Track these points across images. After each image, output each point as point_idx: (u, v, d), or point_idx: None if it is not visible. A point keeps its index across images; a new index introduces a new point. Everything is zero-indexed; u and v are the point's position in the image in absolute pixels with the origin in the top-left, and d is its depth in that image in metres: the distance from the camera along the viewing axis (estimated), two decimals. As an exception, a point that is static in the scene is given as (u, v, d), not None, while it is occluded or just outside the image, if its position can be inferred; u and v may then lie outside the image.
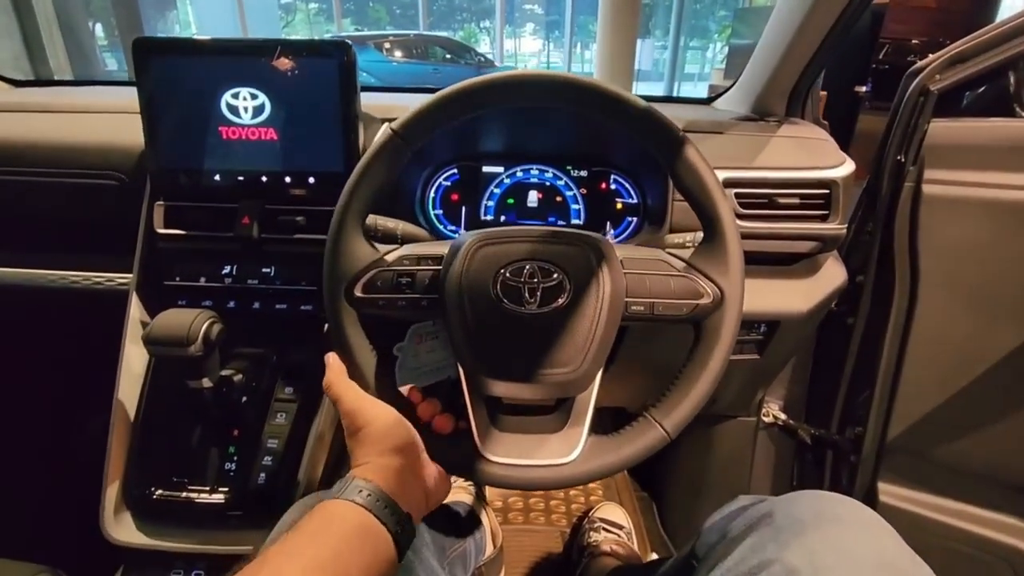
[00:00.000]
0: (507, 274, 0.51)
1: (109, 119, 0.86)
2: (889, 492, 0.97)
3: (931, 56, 0.84)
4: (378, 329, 0.54)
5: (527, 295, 0.50)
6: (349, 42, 0.71)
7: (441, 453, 0.52)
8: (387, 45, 7.87)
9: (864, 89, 1.91)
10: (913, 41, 5.30)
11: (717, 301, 0.52)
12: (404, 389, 0.58)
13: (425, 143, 0.52)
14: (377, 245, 0.55)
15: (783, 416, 1.14)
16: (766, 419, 1.12)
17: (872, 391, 0.96)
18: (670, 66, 10.18)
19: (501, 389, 0.50)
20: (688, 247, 0.64)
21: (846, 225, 0.76)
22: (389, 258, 0.55)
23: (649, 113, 0.52)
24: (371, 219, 0.65)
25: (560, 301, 0.50)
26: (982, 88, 0.87)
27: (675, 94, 7.43)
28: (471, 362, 0.51)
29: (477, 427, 0.52)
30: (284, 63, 0.72)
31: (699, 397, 0.50)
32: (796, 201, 0.76)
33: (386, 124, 0.54)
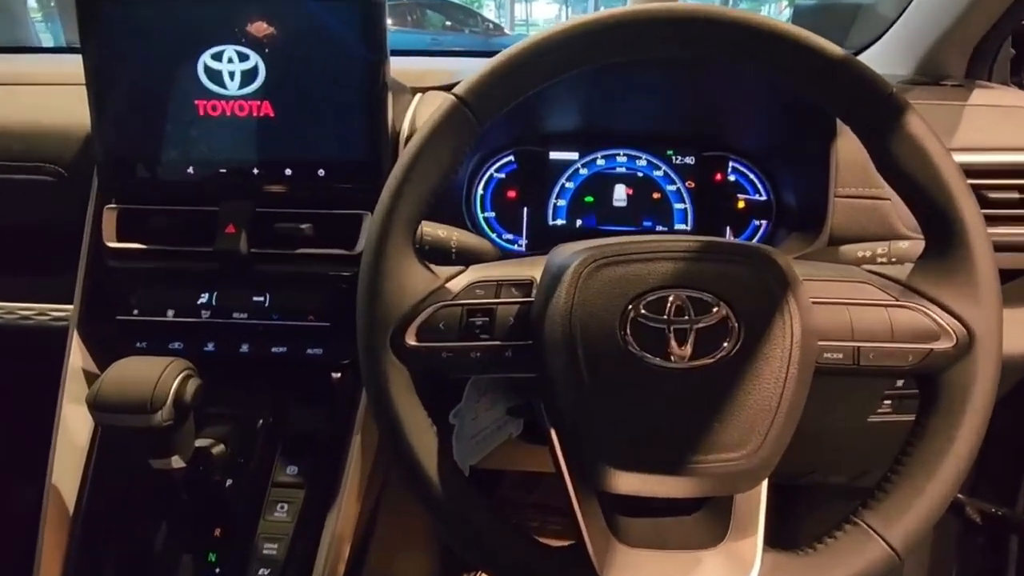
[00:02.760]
0: (641, 309, 0.45)
1: (41, 93, 0.80)
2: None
3: None
4: (428, 388, 0.50)
5: (674, 341, 0.44)
6: (377, -22, 0.66)
7: None
8: (375, 11, 8.01)
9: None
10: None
11: (963, 345, 0.46)
12: (466, 467, 0.54)
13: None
14: (433, 268, 0.51)
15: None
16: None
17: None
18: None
19: (630, 483, 0.45)
20: (880, 262, 0.58)
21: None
22: (454, 287, 0.50)
23: (849, 65, 0.46)
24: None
25: (725, 349, 0.44)
26: None
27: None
28: (585, 443, 0.45)
29: (591, 539, 0.47)
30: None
31: (941, 495, 0.45)
32: (1016, 196, 0.68)
33: (444, 94, 0.50)
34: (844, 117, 0.48)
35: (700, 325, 0.44)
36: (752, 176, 0.80)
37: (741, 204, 0.80)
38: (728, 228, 0.80)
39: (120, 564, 0.65)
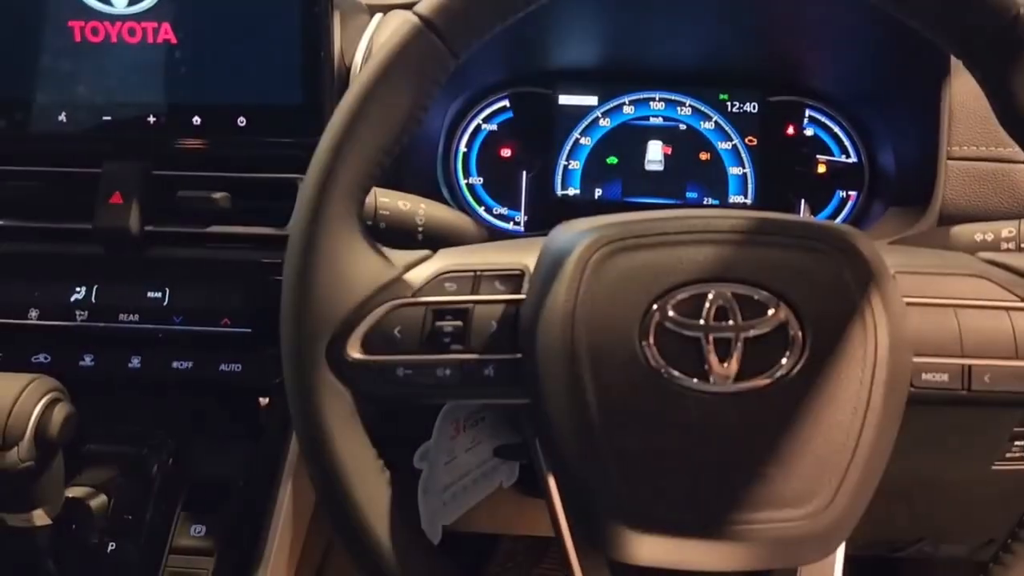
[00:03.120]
0: (669, 311, 0.46)
1: None
2: None
3: None
4: (380, 418, 0.52)
5: (713, 355, 0.45)
6: None
7: None
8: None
9: None
10: None
11: None
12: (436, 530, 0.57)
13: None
14: (388, 252, 0.53)
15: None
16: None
17: None
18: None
19: (654, 551, 0.46)
20: (1007, 249, 0.60)
21: None
22: (414, 278, 0.52)
23: None
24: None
25: (783, 367, 0.45)
26: None
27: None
28: (592, 495, 0.46)
29: None
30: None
31: None
32: None
33: (406, 14, 0.51)
34: (953, 49, 0.49)
35: (750, 334, 0.45)
36: (837, 129, 0.82)
37: (821, 168, 0.82)
38: (803, 202, 0.82)
39: None
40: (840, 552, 0.49)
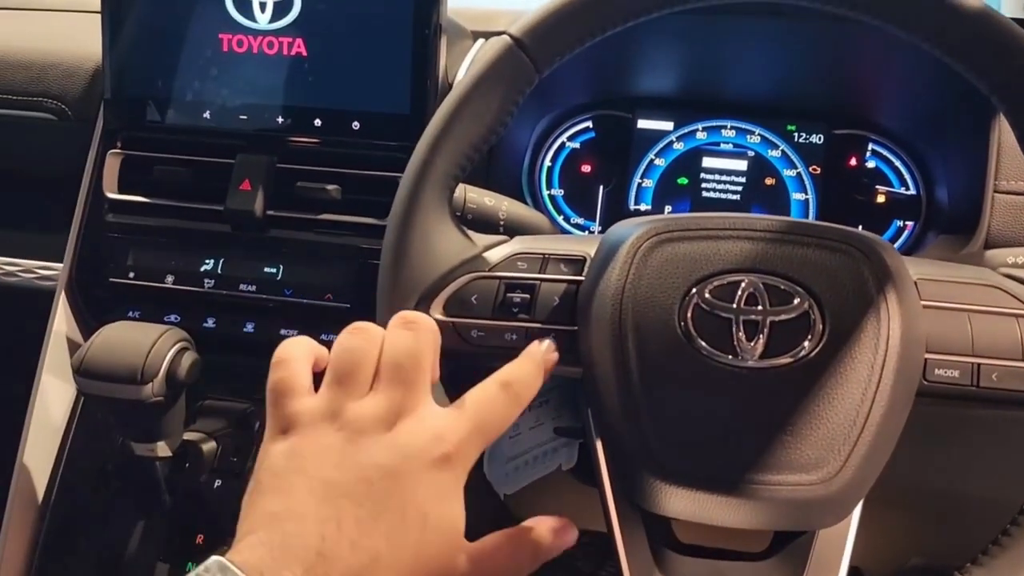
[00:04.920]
0: (706, 294, 0.50)
1: (51, 20, 0.92)
2: None
3: None
4: (456, 380, 0.55)
5: (742, 335, 0.49)
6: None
7: None
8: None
9: None
10: None
11: None
12: (501, 491, 0.58)
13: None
14: (471, 234, 0.57)
15: None
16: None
17: None
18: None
19: (682, 505, 0.50)
20: None
21: None
22: (492, 257, 0.56)
23: (985, 17, 0.50)
24: (458, 191, 0.65)
25: (805, 348, 0.49)
26: None
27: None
28: (630, 449, 0.50)
29: (630, 569, 0.51)
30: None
31: None
32: None
33: (500, 36, 0.54)
34: (983, 85, 0.51)
35: (776, 319, 0.49)
36: (898, 163, 0.83)
37: (881, 198, 0.83)
38: (860, 228, 0.81)
39: (89, 566, 0.75)
40: (853, 526, 0.51)
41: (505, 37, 0.54)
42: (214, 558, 0.34)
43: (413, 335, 0.43)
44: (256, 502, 0.39)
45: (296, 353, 0.44)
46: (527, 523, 0.45)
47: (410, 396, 0.41)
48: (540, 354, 0.48)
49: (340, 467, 0.39)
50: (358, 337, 0.43)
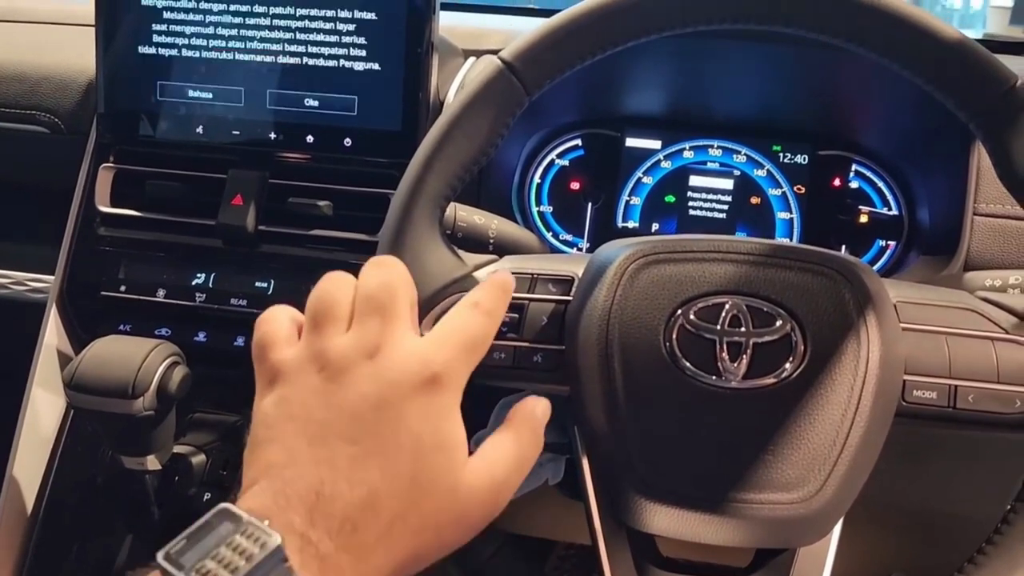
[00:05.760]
0: (691, 316, 0.51)
1: (44, 33, 0.92)
2: None
3: None
4: None
5: (725, 356, 0.50)
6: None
7: None
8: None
9: None
10: None
11: None
12: None
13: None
14: (461, 254, 0.58)
15: None
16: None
17: None
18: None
19: (665, 522, 0.50)
20: (1013, 294, 0.61)
21: None
22: (481, 276, 0.57)
23: (964, 48, 0.51)
24: (448, 208, 0.65)
25: (786, 370, 0.50)
26: None
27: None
28: (614, 469, 0.51)
29: None
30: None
31: None
32: None
33: (491, 57, 0.56)
34: (961, 114, 0.52)
35: (759, 340, 0.50)
36: (881, 184, 0.85)
37: (864, 218, 0.85)
38: (844, 248, 0.84)
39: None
40: (833, 543, 0.52)
41: (496, 60, 0.55)
42: (222, 505, 0.35)
43: (385, 270, 0.44)
44: (254, 455, 0.39)
45: (278, 312, 0.45)
46: (513, 414, 0.46)
47: (388, 326, 0.41)
48: (498, 275, 0.48)
49: (328, 406, 0.39)
50: (330, 282, 0.44)
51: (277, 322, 0.44)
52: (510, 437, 0.44)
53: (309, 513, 0.36)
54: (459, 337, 0.43)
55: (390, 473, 0.38)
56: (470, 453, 0.62)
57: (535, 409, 0.46)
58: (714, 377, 0.50)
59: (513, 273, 0.56)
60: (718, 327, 0.50)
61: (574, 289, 0.55)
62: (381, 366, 0.40)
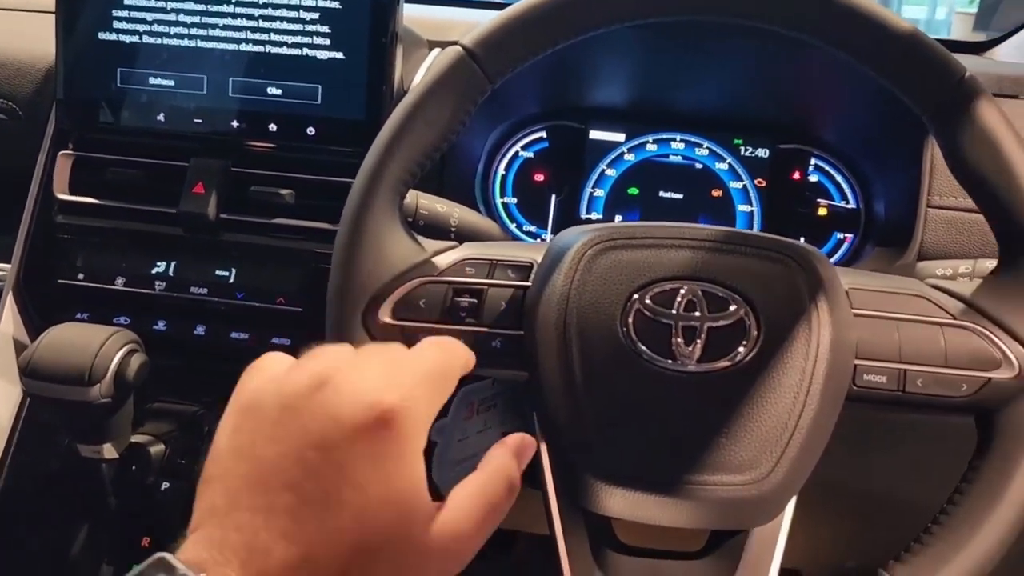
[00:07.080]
0: (647, 300, 0.52)
1: (2, 19, 0.92)
2: None
3: None
4: None
5: (680, 340, 0.51)
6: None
7: None
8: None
9: None
10: None
11: None
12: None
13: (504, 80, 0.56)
14: (421, 240, 0.58)
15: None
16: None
17: None
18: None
19: (620, 505, 0.51)
20: (962, 281, 0.61)
21: None
22: (441, 262, 0.57)
23: (916, 40, 0.52)
24: (410, 196, 0.67)
25: (740, 354, 0.51)
26: None
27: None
28: (571, 450, 0.52)
29: (571, 568, 0.52)
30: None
31: (986, 553, 0.49)
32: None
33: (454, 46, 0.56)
34: (911, 104, 0.53)
35: (712, 324, 0.51)
36: (839, 178, 0.86)
37: (822, 211, 0.86)
38: (802, 240, 0.84)
39: (34, 567, 0.75)
40: (785, 526, 0.52)
41: (457, 47, 0.55)
42: (159, 554, 0.32)
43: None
44: (202, 493, 0.36)
45: (277, 354, 0.41)
46: (487, 459, 0.42)
47: (347, 355, 0.38)
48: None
49: (273, 440, 0.35)
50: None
51: (276, 359, 0.41)
52: (481, 486, 0.40)
53: (243, 567, 0.32)
54: (418, 368, 0.39)
55: (329, 530, 0.34)
56: (432, 440, 0.62)
57: (511, 459, 0.42)
58: (670, 361, 0.51)
59: (472, 259, 0.57)
60: (673, 311, 0.51)
61: (533, 275, 0.56)
62: (326, 399, 0.35)
